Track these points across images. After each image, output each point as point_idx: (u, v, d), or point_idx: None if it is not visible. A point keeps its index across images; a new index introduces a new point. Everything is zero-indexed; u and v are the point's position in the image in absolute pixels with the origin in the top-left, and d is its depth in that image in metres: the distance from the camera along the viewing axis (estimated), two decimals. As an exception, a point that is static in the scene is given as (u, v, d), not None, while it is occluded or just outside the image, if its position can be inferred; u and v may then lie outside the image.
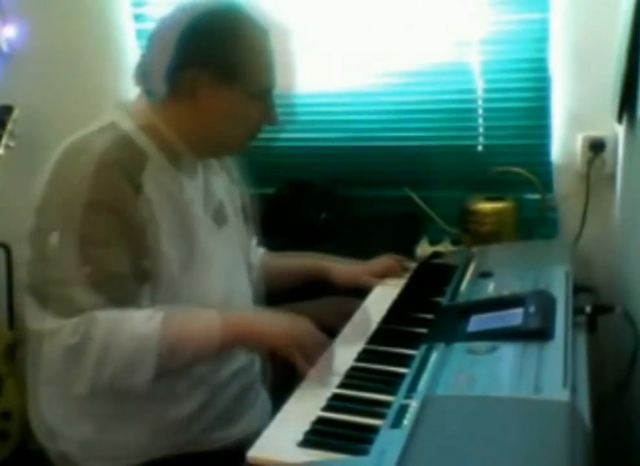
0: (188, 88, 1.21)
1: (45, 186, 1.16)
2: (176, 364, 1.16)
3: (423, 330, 1.24)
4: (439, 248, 1.87)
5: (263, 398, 1.44)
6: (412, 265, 1.64)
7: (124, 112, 1.25)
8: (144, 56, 1.27)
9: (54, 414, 1.29)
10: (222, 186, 1.41)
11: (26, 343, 1.20)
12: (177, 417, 1.26)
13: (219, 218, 1.36)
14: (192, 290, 1.25)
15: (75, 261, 1.11)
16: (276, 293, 1.49)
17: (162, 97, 1.23)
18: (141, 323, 1.12)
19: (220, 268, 1.32)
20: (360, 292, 1.51)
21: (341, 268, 1.58)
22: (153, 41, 1.24)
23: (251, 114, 1.27)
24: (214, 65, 1.21)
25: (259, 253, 1.60)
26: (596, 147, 1.81)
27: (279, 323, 1.18)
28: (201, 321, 1.17)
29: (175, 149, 1.26)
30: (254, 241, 1.57)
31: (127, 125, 1.22)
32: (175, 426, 1.26)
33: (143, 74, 1.26)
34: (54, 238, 1.12)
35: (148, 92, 1.26)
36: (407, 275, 1.57)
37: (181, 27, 1.20)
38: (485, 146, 1.98)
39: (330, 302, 1.58)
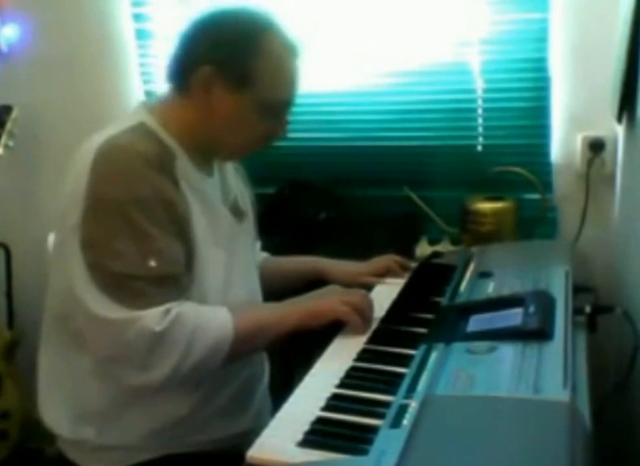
0: (202, 86, 1.22)
1: (86, 187, 1.15)
2: (248, 351, 1.29)
3: (423, 330, 1.24)
4: (439, 248, 1.87)
5: (263, 396, 1.44)
6: (413, 265, 1.63)
7: (148, 112, 1.27)
8: (171, 55, 1.28)
9: (53, 414, 1.29)
10: (236, 185, 1.44)
11: (25, 344, 1.20)
12: (176, 416, 1.26)
13: (237, 213, 1.39)
14: (220, 281, 1.29)
15: (138, 256, 1.14)
16: (275, 297, 1.49)
17: (181, 93, 1.26)
18: (219, 317, 1.19)
19: (241, 262, 1.36)
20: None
21: (340, 269, 1.58)
22: (179, 40, 1.26)
23: (257, 125, 1.27)
24: (230, 66, 1.22)
25: (261, 257, 1.60)
26: (596, 147, 1.81)
27: (327, 298, 1.27)
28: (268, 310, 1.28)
29: (192, 147, 1.27)
30: (258, 244, 1.58)
31: (153, 124, 1.24)
32: (174, 425, 1.26)
33: (168, 72, 1.28)
34: (112, 235, 1.14)
35: (173, 89, 1.28)
36: (407, 275, 1.57)
37: (207, 27, 1.24)
38: (484, 146, 1.98)
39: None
